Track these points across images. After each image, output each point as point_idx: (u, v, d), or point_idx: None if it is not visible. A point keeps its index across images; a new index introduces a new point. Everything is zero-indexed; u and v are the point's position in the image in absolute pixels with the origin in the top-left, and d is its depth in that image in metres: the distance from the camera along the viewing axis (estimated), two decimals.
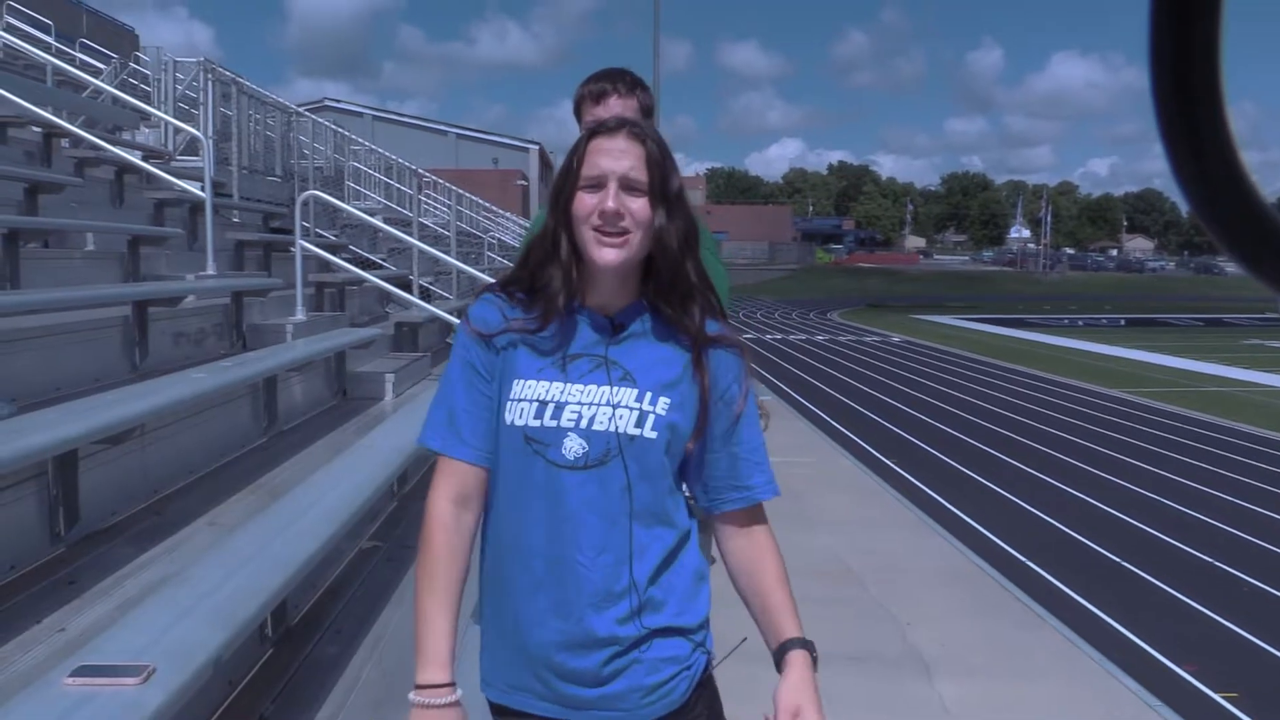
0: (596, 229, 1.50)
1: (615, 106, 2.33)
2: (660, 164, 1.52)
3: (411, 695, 1.51)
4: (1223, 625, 7.74)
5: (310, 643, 3.34)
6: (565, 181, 1.54)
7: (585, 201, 1.51)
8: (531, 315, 1.55)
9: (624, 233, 1.50)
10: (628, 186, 1.51)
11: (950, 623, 6.13)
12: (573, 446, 1.51)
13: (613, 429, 1.51)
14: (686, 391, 1.55)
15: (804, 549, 7.56)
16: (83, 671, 2.00)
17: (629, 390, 1.53)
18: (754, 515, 1.65)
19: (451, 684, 1.51)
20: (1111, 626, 7.62)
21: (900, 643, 5.76)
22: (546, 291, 1.54)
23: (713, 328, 1.58)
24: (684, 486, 1.65)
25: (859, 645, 5.72)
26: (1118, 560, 9.47)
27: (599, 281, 1.55)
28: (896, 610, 6.28)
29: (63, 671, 2.03)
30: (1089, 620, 7.55)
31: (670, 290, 1.55)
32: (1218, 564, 9.36)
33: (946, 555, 7.77)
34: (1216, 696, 6.25)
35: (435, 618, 1.53)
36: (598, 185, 1.51)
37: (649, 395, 1.53)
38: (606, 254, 1.50)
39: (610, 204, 1.49)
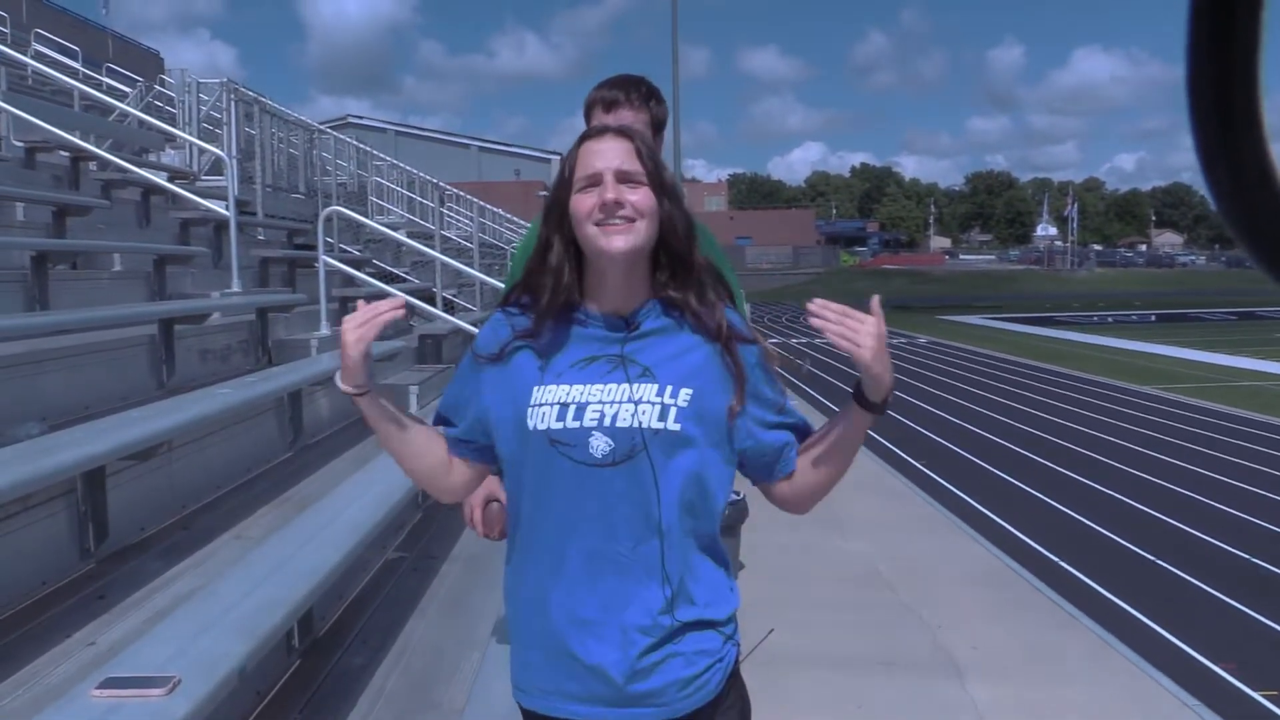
0: (599, 224, 1.53)
1: (625, 117, 2.24)
2: (651, 155, 1.57)
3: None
4: (1261, 623, 7.62)
5: (336, 653, 3.36)
6: (561, 189, 1.58)
7: (583, 201, 1.54)
8: (539, 324, 1.58)
9: (629, 220, 1.53)
10: (625, 179, 1.53)
11: (982, 625, 6.07)
12: (599, 445, 1.53)
13: (636, 425, 1.53)
14: (710, 380, 1.57)
15: (834, 553, 7.52)
16: (110, 683, 2.02)
17: (649, 386, 1.54)
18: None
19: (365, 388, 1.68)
20: (1147, 626, 7.52)
21: (932, 646, 5.71)
22: (549, 299, 1.57)
23: (730, 318, 1.61)
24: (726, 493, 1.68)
25: (891, 649, 5.67)
26: (1153, 559, 9.35)
27: (608, 282, 1.57)
28: (927, 614, 6.23)
29: (91, 684, 2.05)
30: (1124, 620, 7.46)
31: (686, 278, 1.58)
32: (1255, 560, 9.22)
33: (977, 557, 7.69)
34: (1256, 695, 6.15)
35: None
36: (593, 183, 1.54)
37: (669, 389, 1.54)
38: (615, 241, 1.52)
39: (609, 194, 1.52)
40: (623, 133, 1.58)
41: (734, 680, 1.63)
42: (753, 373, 1.59)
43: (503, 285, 8.87)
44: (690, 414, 1.53)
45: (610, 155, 1.55)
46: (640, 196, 1.53)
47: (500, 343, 1.61)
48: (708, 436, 1.56)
